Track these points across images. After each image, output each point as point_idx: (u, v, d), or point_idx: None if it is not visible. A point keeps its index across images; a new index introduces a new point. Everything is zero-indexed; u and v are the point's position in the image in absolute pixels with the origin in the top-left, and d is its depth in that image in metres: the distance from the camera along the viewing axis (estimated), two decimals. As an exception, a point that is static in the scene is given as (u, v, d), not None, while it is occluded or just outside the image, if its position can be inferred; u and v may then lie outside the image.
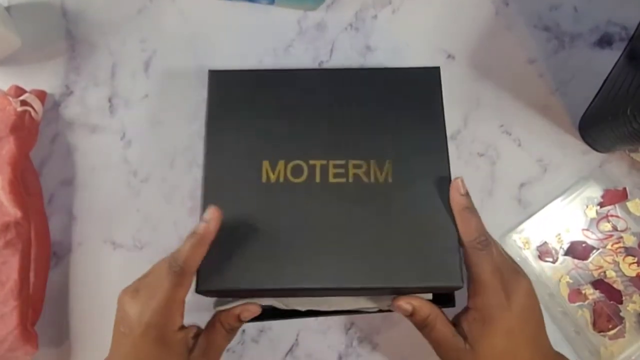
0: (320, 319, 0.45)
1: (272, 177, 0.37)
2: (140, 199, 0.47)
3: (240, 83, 0.40)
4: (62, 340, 0.44)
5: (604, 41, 0.50)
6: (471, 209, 0.35)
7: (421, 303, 0.36)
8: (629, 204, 0.46)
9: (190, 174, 0.47)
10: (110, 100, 0.49)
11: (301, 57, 0.50)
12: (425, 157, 0.38)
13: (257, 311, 0.37)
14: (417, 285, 0.35)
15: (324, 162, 0.37)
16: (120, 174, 0.47)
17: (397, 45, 0.50)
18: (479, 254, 0.34)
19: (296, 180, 0.37)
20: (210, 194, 0.37)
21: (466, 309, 0.35)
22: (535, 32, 0.50)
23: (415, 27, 0.51)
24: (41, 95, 0.47)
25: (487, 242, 0.34)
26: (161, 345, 0.33)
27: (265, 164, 0.37)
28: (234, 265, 0.35)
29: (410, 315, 0.36)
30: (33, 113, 0.45)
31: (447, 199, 0.36)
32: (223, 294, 0.38)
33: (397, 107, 0.39)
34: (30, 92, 0.46)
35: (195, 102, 0.48)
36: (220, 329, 0.36)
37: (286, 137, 0.38)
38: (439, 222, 0.36)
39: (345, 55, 0.50)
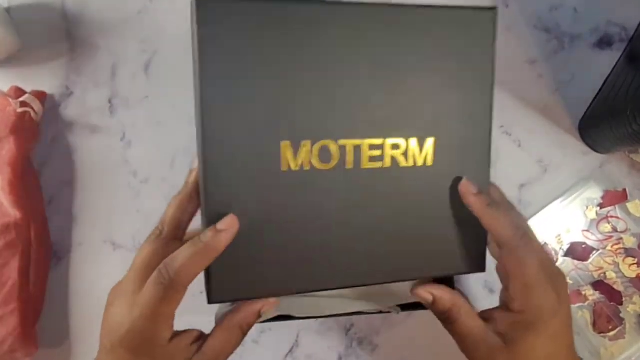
0: (321, 319, 0.45)
1: (295, 165, 0.29)
2: (140, 199, 0.47)
3: (243, 21, 0.27)
4: (62, 340, 0.45)
5: (604, 42, 0.50)
6: (492, 204, 0.30)
7: (442, 293, 0.31)
8: (629, 205, 0.46)
9: (190, 175, 0.47)
10: (110, 101, 0.49)
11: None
12: (468, 132, 0.32)
13: (277, 303, 0.33)
14: (442, 274, 0.33)
15: (358, 141, 0.30)
16: (120, 174, 0.47)
17: (397, 46, 0.50)
18: (520, 251, 0.29)
19: (324, 168, 0.29)
20: (214, 189, 0.28)
21: (506, 309, 0.30)
22: (535, 32, 0.50)
23: (415, 28, 0.51)
24: (41, 96, 0.47)
25: (526, 235, 0.29)
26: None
27: (285, 146, 0.28)
28: (252, 271, 0.29)
29: (431, 304, 0.32)
30: (33, 114, 0.45)
31: (485, 179, 0.32)
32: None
33: (439, 63, 0.31)
34: (30, 93, 0.46)
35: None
36: (238, 330, 0.31)
37: (309, 107, 0.29)
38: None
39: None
